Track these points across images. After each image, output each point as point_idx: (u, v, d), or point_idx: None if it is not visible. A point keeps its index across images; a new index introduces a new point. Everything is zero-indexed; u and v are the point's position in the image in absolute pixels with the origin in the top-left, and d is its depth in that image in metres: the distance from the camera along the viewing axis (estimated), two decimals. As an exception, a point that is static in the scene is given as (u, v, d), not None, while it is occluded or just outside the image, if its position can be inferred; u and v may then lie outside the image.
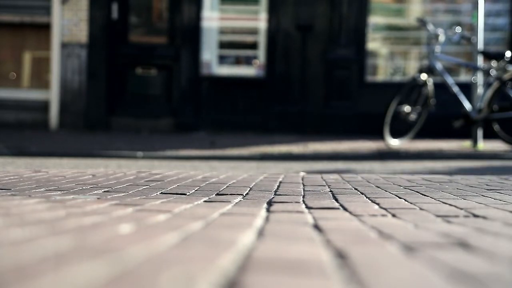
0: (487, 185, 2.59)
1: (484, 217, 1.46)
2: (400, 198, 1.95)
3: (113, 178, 2.73)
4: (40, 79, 10.81)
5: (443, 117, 8.59)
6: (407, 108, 8.03)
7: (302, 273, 0.78)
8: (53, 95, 10.55)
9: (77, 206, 1.54)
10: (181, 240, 1.02)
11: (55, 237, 1.01)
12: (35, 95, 10.61)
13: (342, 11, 10.72)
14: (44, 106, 10.54)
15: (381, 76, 11.25)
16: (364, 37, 10.87)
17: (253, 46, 11.05)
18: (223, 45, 10.99)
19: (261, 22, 10.93)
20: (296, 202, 1.81)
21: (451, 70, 9.60)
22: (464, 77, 10.22)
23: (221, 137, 9.20)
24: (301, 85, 10.85)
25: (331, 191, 2.19)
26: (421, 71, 8.24)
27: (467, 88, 8.18)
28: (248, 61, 11.10)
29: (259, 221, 1.32)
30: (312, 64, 10.82)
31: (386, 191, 2.20)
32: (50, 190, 2.10)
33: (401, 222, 1.37)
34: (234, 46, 11.11)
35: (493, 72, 7.82)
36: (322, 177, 2.91)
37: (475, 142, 8.03)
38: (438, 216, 1.49)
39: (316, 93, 10.85)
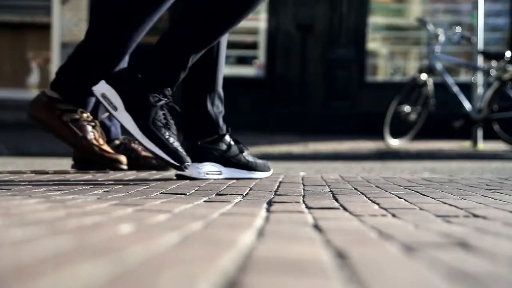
0: (487, 185, 2.59)
1: (484, 217, 1.46)
2: (400, 198, 1.95)
3: (113, 178, 2.73)
4: (40, 79, 10.81)
5: (443, 117, 8.60)
6: (407, 108, 8.04)
7: (302, 273, 0.78)
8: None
9: (77, 206, 1.54)
10: (181, 240, 1.02)
11: (55, 237, 1.01)
12: (35, 95, 10.61)
13: (342, 11, 10.72)
14: (44, 106, 10.53)
15: (381, 76, 11.25)
16: (364, 37, 10.87)
17: (253, 46, 11.05)
18: (223, 45, 10.99)
19: (261, 22, 10.93)
20: (296, 202, 1.81)
21: (451, 70, 9.60)
22: (464, 77, 10.22)
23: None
24: (301, 85, 10.85)
25: (331, 191, 2.19)
26: (421, 71, 8.25)
27: (467, 88, 8.18)
28: (248, 61, 11.10)
29: (259, 221, 1.32)
30: (312, 64, 10.82)
31: (386, 191, 2.20)
32: (50, 190, 2.10)
33: (401, 222, 1.37)
34: (234, 46, 11.11)
35: (493, 72, 7.82)
36: (322, 177, 2.90)
37: (475, 142, 8.03)
38: (438, 216, 1.49)
39: (316, 93, 10.84)
